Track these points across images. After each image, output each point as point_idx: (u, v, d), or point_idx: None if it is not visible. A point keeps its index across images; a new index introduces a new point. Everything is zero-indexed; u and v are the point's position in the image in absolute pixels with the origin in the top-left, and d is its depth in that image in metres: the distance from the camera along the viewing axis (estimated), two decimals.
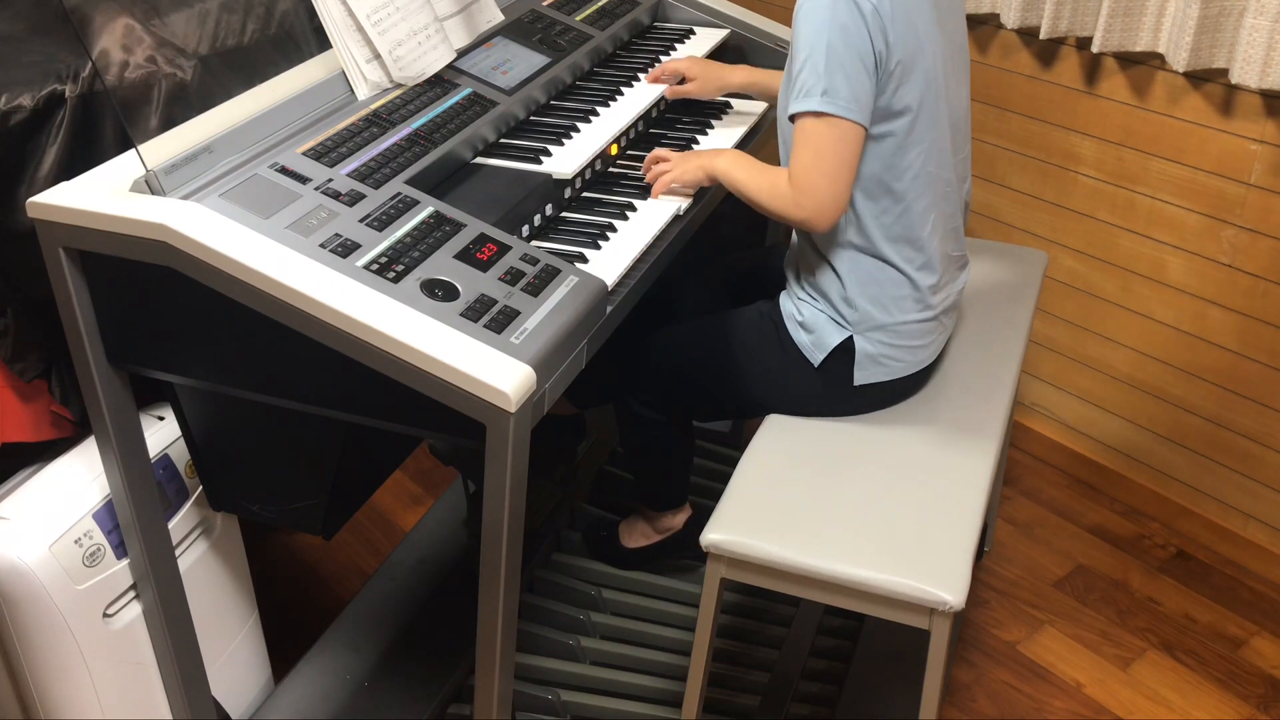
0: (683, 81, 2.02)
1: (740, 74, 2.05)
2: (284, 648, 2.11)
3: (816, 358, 1.76)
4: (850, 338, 1.75)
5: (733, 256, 2.15)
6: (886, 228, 1.69)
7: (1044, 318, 2.65)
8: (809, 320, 1.77)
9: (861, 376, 1.76)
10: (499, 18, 1.97)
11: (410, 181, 1.55)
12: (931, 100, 1.64)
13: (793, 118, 1.61)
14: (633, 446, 2.12)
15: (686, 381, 1.92)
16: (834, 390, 1.79)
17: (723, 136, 1.99)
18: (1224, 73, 2.16)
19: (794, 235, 1.81)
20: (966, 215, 1.86)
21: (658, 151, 1.81)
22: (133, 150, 1.43)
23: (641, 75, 2.05)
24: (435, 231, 1.45)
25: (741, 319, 1.86)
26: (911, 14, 1.60)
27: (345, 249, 1.37)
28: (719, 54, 2.28)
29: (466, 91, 1.78)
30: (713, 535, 1.60)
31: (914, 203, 1.68)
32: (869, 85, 1.58)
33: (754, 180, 1.70)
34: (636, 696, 2.08)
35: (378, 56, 1.69)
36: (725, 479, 1.71)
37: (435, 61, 1.77)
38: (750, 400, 1.86)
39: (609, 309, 1.51)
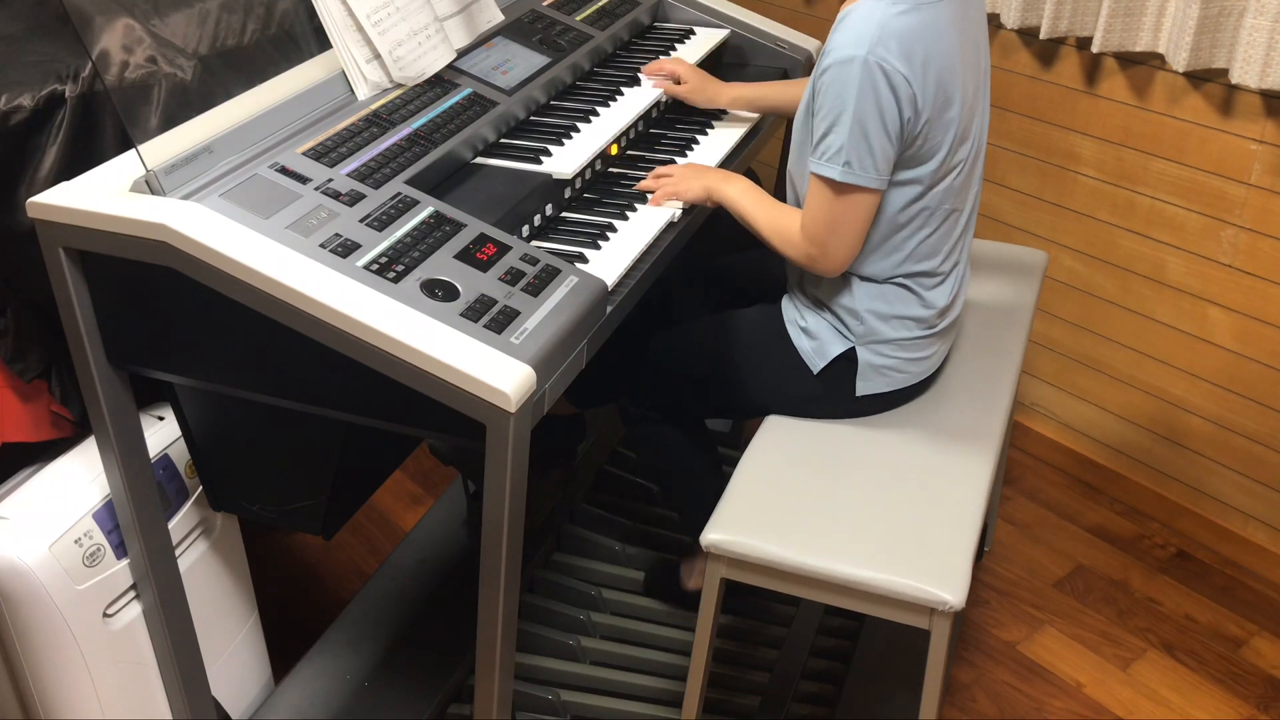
0: (679, 82, 2.03)
1: (729, 93, 2.04)
2: (284, 648, 2.11)
3: (817, 365, 1.76)
4: (853, 348, 1.74)
5: (732, 258, 2.15)
6: (903, 257, 1.69)
7: (1044, 318, 2.65)
8: (812, 327, 1.76)
9: (864, 387, 1.76)
10: (499, 18, 1.97)
11: (410, 181, 1.55)
12: (956, 142, 1.63)
13: (812, 173, 1.61)
14: (650, 461, 2.06)
15: (686, 382, 1.92)
16: (833, 395, 1.78)
17: (722, 137, 1.99)
18: (1224, 73, 2.16)
19: None
20: (974, 221, 1.86)
21: (661, 169, 1.80)
22: (133, 150, 1.43)
23: (642, 76, 2.05)
24: (435, 231, 1.45)
25: (742, 320, 1.86)
26: (941, 70, 1.56)
27: (345, 249, 1.37)
28: (719, 54, 2.28)
29: (466, 91, 1.78)
30: (713, 535, 1.60)
31: (932, 232, 1.68)
32: (891, 152, 1.57)
33: (764, 216, 1.70)
34: (636, 696, 2.08)
35: (378, 56, 1.69)
36: (725, 479, 1.71)
37: (435, 61, 1.77)
38: (749, 401, 1.85)
39: (609, 309, 1.51)
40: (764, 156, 1.83)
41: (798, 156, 1.70)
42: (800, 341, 1.77)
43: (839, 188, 1.58)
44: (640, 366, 1.94)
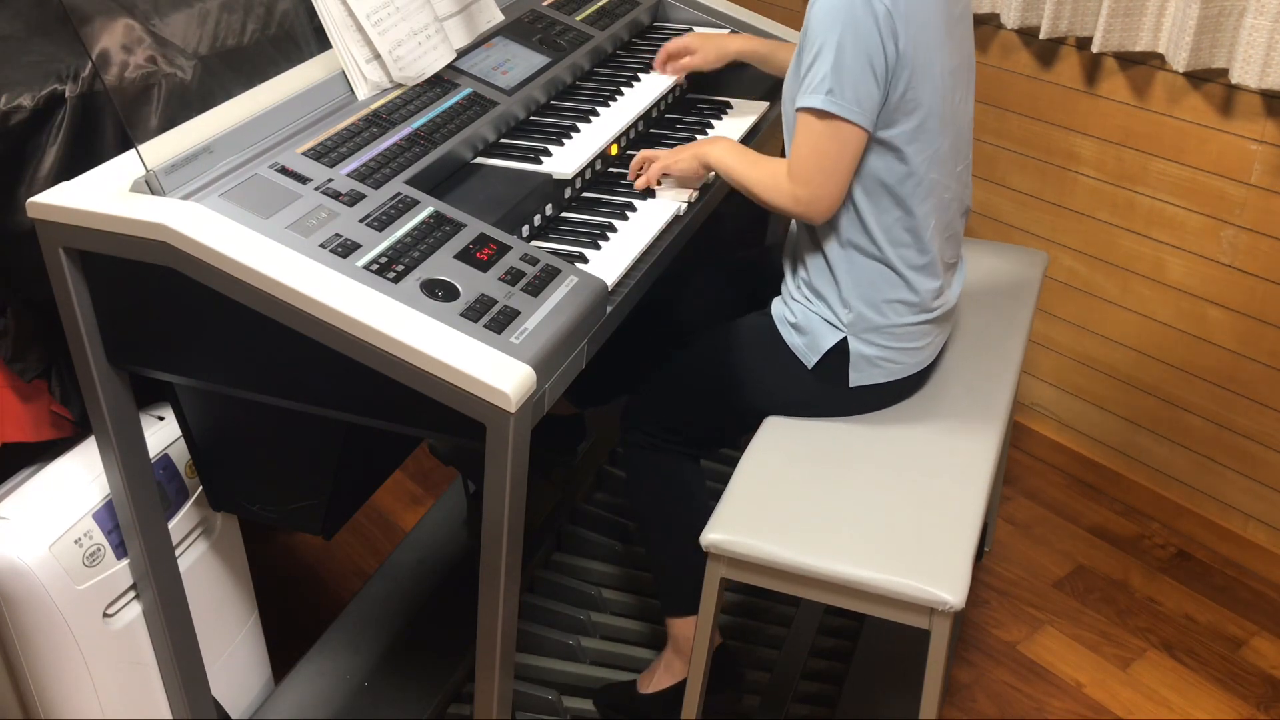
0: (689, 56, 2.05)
1: (739, 41, 2.08)
2: (284, 648, 2.11)
3: (810, 360, 1.76)
4: (845, 339, 1.74)
5: (732, 257, 2.14)
6: (888, 229, 1.68)
7: (1044, 318, 2.65)
8: (802, 322, 1.76)
9: (857, 379, 1.76)
10: (499, 18, 1.97)
11: (410, 181, 1.55)
12: (937, 108, 1.64)
13: (797, 109, 1.62)
14: (637, 491, 1.92)
15: (690, 403, 1.88)
16: (830, 393, 1.78)
17: (724, 135, 1.99)
18: (1224, 73, 2.16)
19: (792, 227, 1.80)
20: (965, 220, 1.85)
21: (645, 153, 1.81)
22: (133, 150, 1.43)
23: (642, 75, 2.05)
24: (435, 231, 1.45)
25: (735, 330, 1.85)
26: (924, 21, 1.59)
27: (345, 249, 1.37)
28: None
29: (466, 91, 1.78)
30: (712, 535, 1.60)
31: (917, 206, 1.68)
32: (875, 91, 1.58)
33: (749, 170, 1.70)
34: None
35: (378, 56, 1.69)
36: (725, 479, 1.71)
37: (435, 61, 1.77)
38: (750, 410, 1.83)
39: (609, 309, 1.51)
40: (767, 153, 1.82)
41: (789, 103, 1.69)
42: (792, 339, 1.77)
43: (823, 119, 1.59)
44: (642, 391, 1.92)
